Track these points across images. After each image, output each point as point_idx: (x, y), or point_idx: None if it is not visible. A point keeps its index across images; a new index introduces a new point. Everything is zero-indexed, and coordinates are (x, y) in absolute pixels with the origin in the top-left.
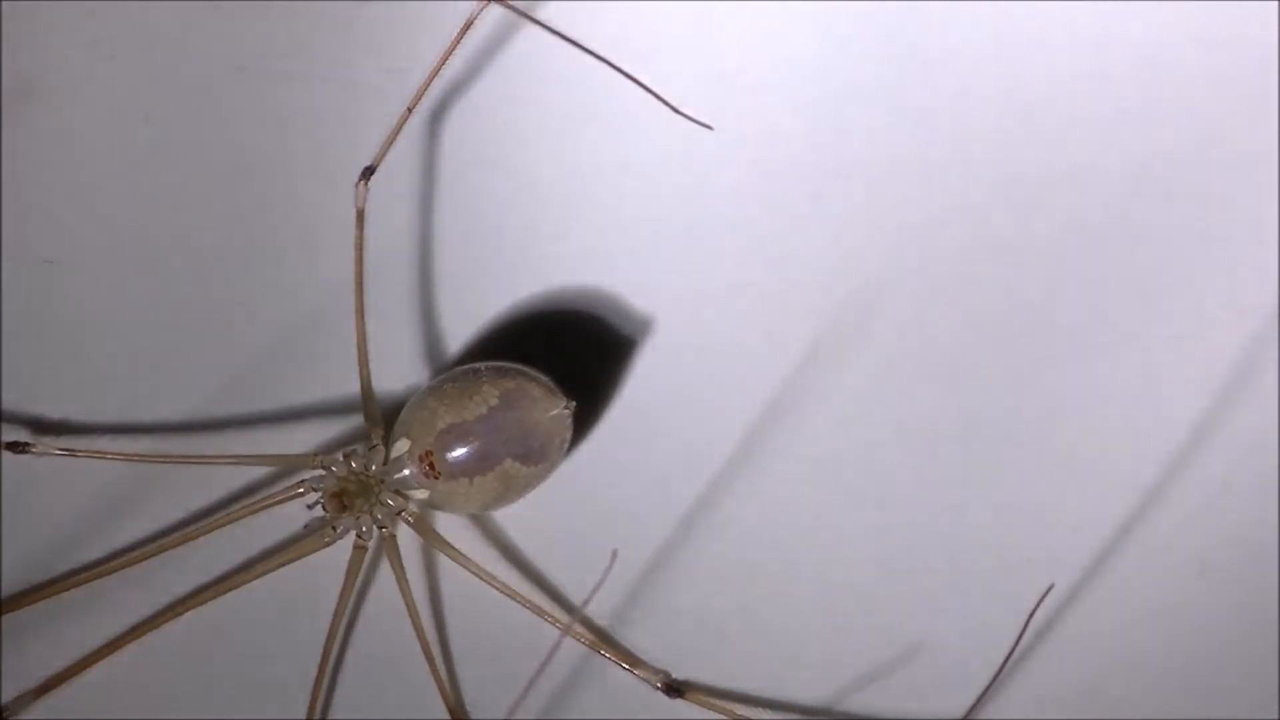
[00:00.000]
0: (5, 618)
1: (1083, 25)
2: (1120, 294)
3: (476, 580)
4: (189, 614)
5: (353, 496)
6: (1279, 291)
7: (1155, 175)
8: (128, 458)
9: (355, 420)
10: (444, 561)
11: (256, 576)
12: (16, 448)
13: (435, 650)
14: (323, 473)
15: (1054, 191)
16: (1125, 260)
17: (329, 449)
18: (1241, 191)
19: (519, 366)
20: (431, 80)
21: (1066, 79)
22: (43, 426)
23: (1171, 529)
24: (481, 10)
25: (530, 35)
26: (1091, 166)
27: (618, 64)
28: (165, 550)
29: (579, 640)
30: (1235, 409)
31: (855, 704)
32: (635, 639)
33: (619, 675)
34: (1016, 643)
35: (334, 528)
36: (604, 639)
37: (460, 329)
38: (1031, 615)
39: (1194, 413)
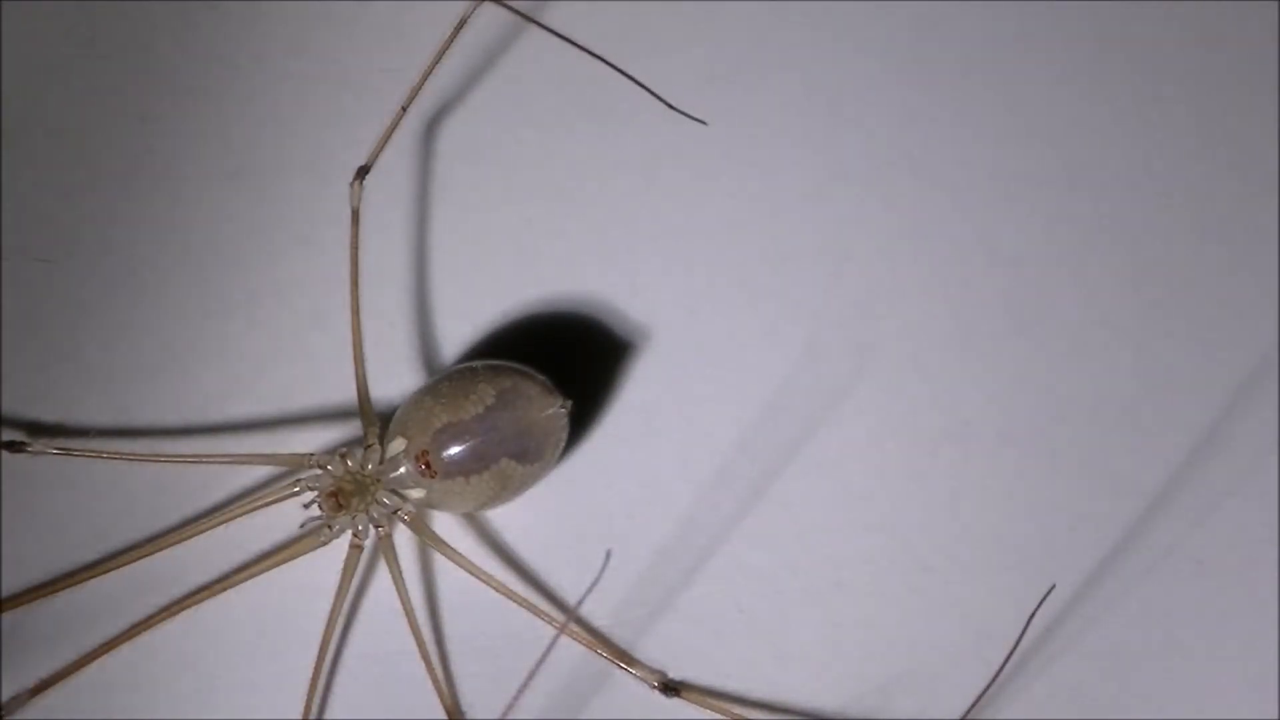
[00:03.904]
0: (4, 617)
1: (1082, 25)
2: (1120, 294)
3: (473, 580)
4: (185, 613)
5: (349, 496)
6: (1279, 291)
7: (1155, 175)
8: (124, 457)
9: (351, 420)
10: (440, 561)
11: (253, 576)
12: (13, 447)
13: (432, 649)
14: (319, 472)
15: (1054, 191)
16: (1125, 260)
17: (325, 449)
18: (1241, 191)
19: (516, 365)
20: (426, 79)
21: (1066, 79)
22: (39, 426)
23: (1171, 529)
24: (475, 9)
25: (525, 33)
26: (1091, 166)
27: (613, 62)
28: (161, 550)
29: (575, 639)
30: (1235, 408)
31: (853, 704)
32: (632, 638)
33: (616, 675)
34: (1017, 644)
35: (330, 527)
36: (600, 638)
37: (456, 328)
38: (1032, 616)
39: (1193, 412)
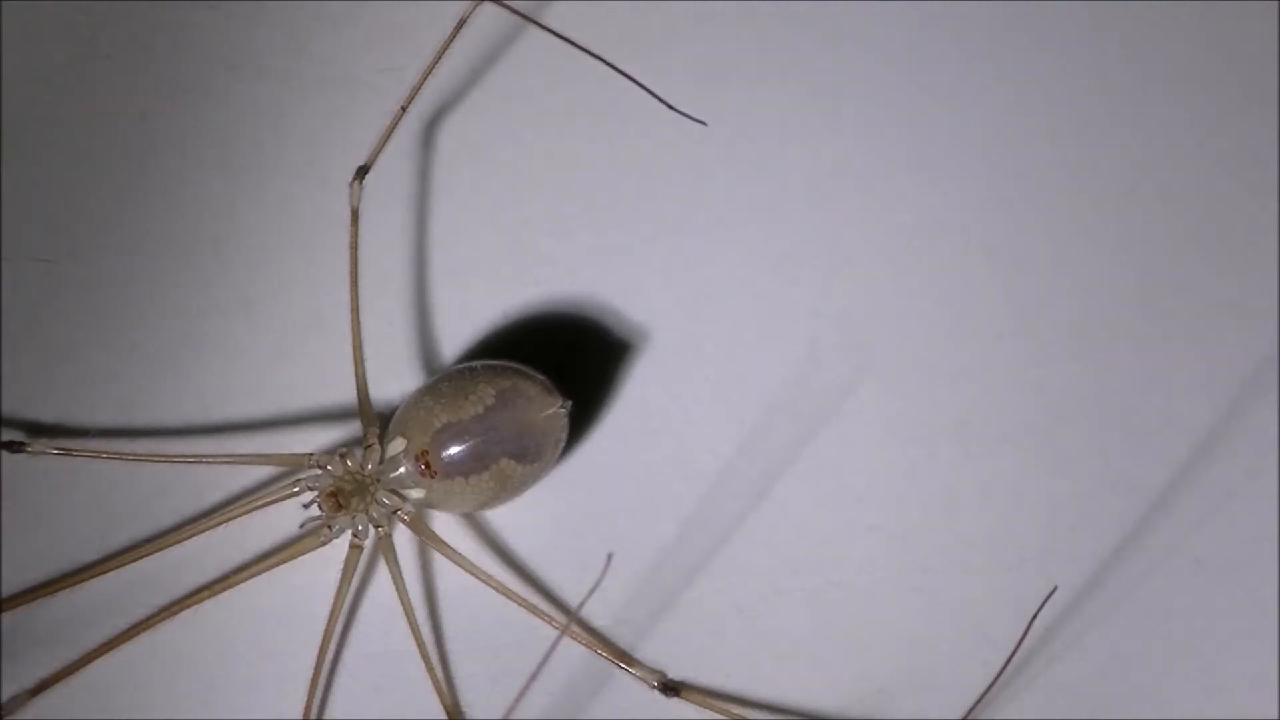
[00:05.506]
0: (4, 617)
1: (1082, 25)
2: (1120, 294)
3: (473, 580)
4: (185, 613)
5: (348, 496)
6: (1279, 291)
7: (1155, 175)
8: (124, 457)
9: (351, 420)
10: (440, 561)
11: (252, 576)
12: (13, 447)
13: (431, 649)
14: (319, 472)
15: (1054, 191)
16: (1125, 260)
17: (325, 449)
18: (1241, 191)
19: (515, 365)
20: (425, 78)
21: (1066, 79)
22: (39, 426)
23: (1171, 529)
24: (475, 9)
25: (525, 33)
26: (1091, 166)
27: (613, 62)
28: (162, 550)
29: (576, 640)
30: (1235, 409)
31: (853, 704)
32: (632, 638)
33: (616, 675)
34: (1019, 644)
35: (330, 527)
36: (600, 638)
37: (456, 329)
38: (1035, 617)
39: (1193, 413)
